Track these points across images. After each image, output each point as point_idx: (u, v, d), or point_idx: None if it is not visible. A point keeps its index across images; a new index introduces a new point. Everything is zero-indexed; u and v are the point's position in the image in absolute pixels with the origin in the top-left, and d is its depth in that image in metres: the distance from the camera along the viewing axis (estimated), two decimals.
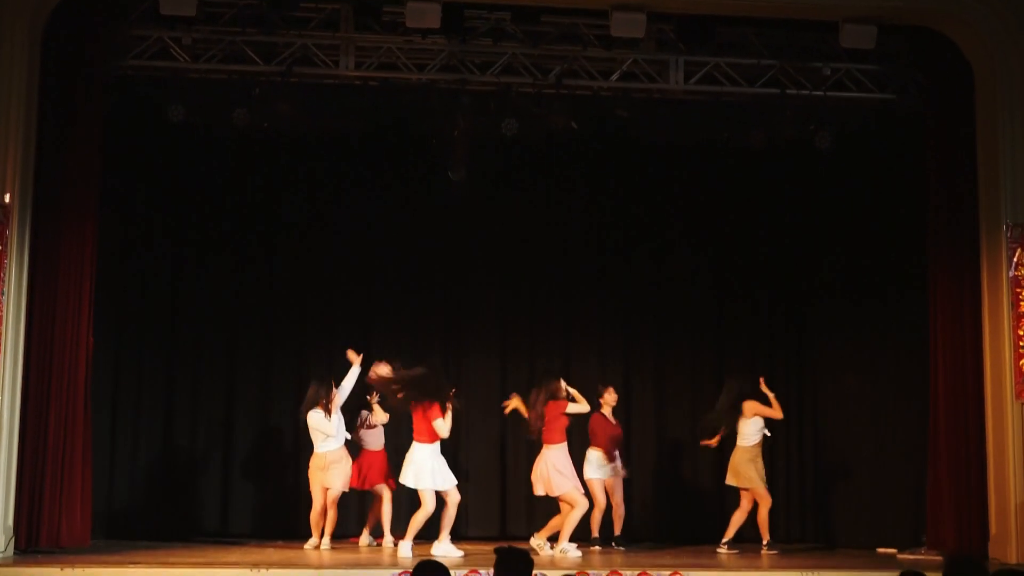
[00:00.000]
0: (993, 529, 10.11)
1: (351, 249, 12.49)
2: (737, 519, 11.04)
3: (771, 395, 11.07)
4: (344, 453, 10.71)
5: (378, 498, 10.99)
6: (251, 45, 10.76)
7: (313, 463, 10.70)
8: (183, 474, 12.12)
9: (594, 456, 11.09)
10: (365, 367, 10.74)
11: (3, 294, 9.47)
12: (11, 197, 9.60)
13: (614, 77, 11.16)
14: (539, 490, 10.62)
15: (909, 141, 11.28)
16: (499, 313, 12.76)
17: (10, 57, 9.70)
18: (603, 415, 11.20)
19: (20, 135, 9.69)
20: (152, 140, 11.72)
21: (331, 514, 10.67)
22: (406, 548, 10.01)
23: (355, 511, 11.90)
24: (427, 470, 10.18)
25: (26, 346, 9.71)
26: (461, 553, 10.00)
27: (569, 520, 10.38)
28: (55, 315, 9.86)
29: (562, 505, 10.52)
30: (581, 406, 10.71)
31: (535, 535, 10.63)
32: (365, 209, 12.60)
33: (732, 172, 12.59)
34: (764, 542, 10.94)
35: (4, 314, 9.46)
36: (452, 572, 5.54)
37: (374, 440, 11.01)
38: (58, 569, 8.57)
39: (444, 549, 10.04)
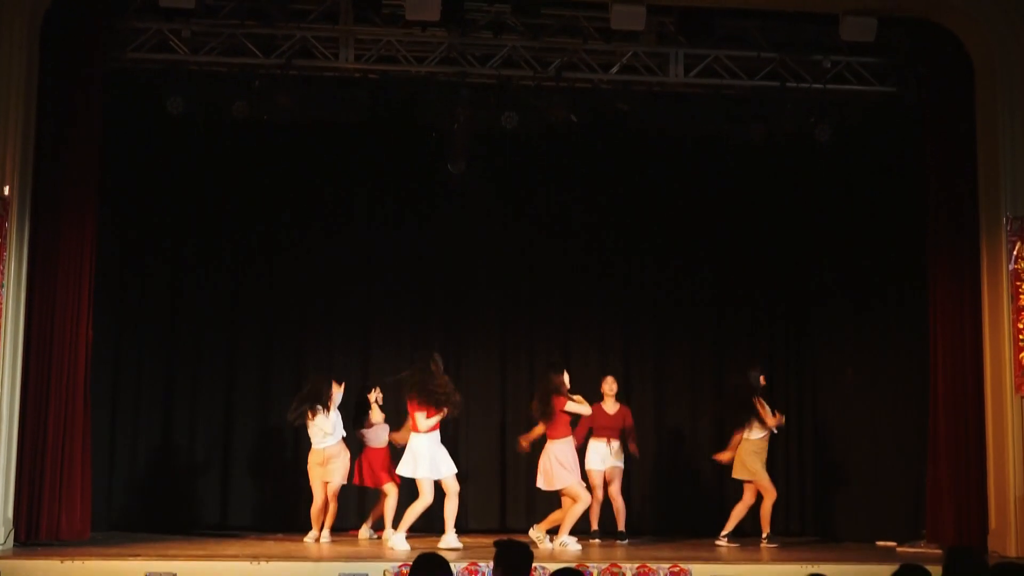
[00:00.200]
0: (992, 523, 10.11)
1: (351, 242, 12.50)
2: (738, 512, 11.04)
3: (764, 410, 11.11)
4: (342, 447, 10.73)
5: (382, 494, 10.98)
6: (250, 37, 10.75)
7: (312, 459, 10.71)
8: (183, 467, 12.13)
9: (595, 447, 11.08)
10: (363, 373, 10.78)
11: (3, 287, 9.46)
12: (10, 191, 9.59)
13: (614, 70, 11.15)
14: (540, 483, 10.61)
15: (909, 134, 11.26)
16: (499, 308, 12.76)
17: (9, 50, 9.69)
18: (601, 406, 11.19)
19: (19, 129, 9.68)
20: (151, 133, 11.69)
21: (331, 508, 10.70)
22: (398, 539, 10.00)
23: (355, 505, 11.91)
24: (425, 459, 10.15)
25: (26, 339, 9.71)
26: (460, 545, 9.98)
27: (570, 514, 10.38)
28: (55, 309, 9.86)
29: (563, 499, 10.51)
30: (581, 407, 10.66)
31: (534, 527, 10.63)
32: (364, 201, 12.60)
33: (732, 165, 12.58)
34: (764, 535, 10.94)
35: (4, 308, 9.46)
36: (452, 565, 5.53)
37: (376, 437, 11.00)
38: (58, 561, 8.57)
39: (447, 541, 10.02)
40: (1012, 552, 9.75)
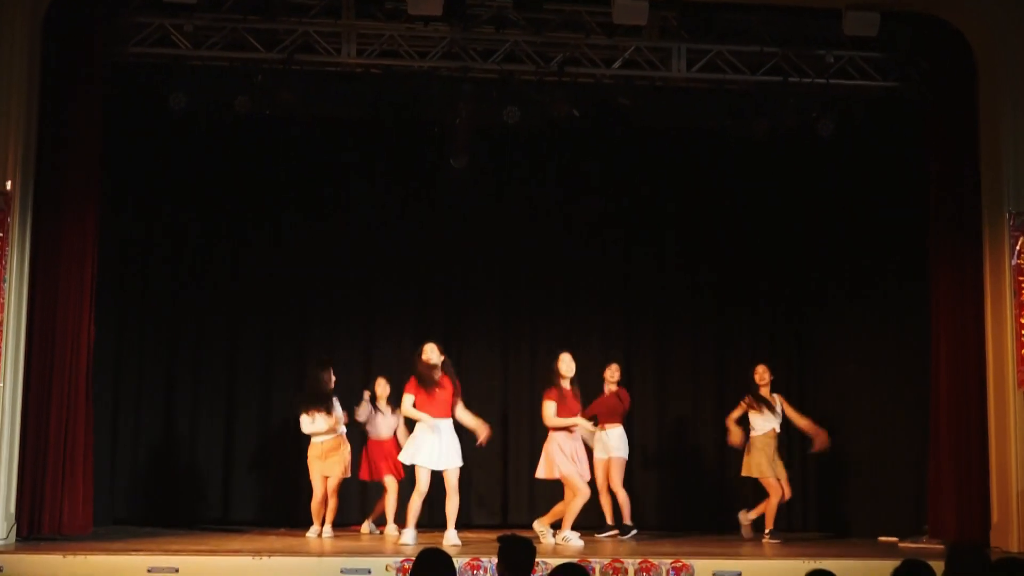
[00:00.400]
0: (995, 517, 10.11)
1: (352, 237, 12.50)
2: (770, 507, 10.97)
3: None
4: (342, 440, 10.73)
5: (384, 488, 10.99)
6: (252, 32, 10.74)
7: (311, 452, 10.71)
8: (185, 462, 12.15)
9: (600, 436, 11.07)
10: (365, 367, 10.80)
11: (4, 282, 9.47)
12: (12, 186, 9.58)
13: (616, 65, 11.14)
14: (540, 471, 10.57)
15: (912, 129, 11.25)
16: (500, 302, 12.77)
17: (11, 44, 9.68)
18: (603, 392, 11.20)
19: (21, 123, 9.66)
20: (153, 127, 11.68)
21: (332, 502, 10.69)
22: (408, 535, 9.96)
23: (356, 499, 11.92)
24: (424, 447, 10.05)
25: (28, 335, 9.70)
26: (458, 543, 9.92)
27: (571, 508, 10.34)
28: (57, 304, 9.86)
29: (566, 492, 10.49)
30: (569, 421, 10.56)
31: (538, 520, 10.61)
32: (366, 196, 12.60)
33: (734, 160, 12.57)
34: (767, 531, 10.94)
35: (6, 302, 9.46)
36: (454, 560, 5.53)
37: (382, 429, 11.00)
38: (60, 556, 8.57)
39: (448, 538, 9.98)
40: (1014, 547, 9.75)
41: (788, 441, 11.56)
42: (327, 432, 10.63)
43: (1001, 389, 10.11)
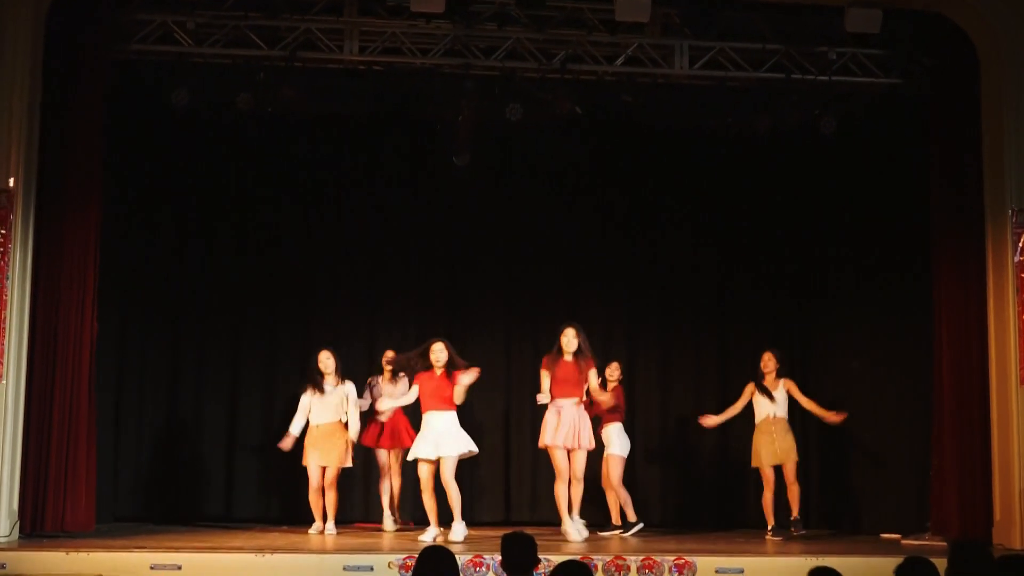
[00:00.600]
0: (997, 515, 10.10)
1: (355, 233, 12.51)
2: (791, 497, 10.97)
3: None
4: (339, 427, 10.66)
5: (385, 473, 10.96)
6: (255, 29, 10.74)
7: (307, 438, 10.66)
8: (188, 459, 12.16)
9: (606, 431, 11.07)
10: (368, 362, 10.94)
11: (7, 279, 9.47)
12: (15, 182, 9.58)
13: (619, 62, 11.14)
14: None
15: (914, 126, 11.24)
16: (503, 297, 12.77)
17: (13, 42, 9.68)
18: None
19: (23, 120, 9.66)
20: (156, 124, 11.70)
21: (331, 496, 10.60)
22: (459, 528, 9.87)
23: (360, 496, 11.94)
24: (417, 440, 10.16)
25: (31, 331, 9.71)
26: (430, 539, 9.84)
27: (557, 492, 10.25)
28: (59, 300, 9.87)
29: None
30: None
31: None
32: (369, 193, 12.61)
33: (736, 156, 12.57)
34: (769, 527, 10.94)
35: (8, 299, 9.47)
36: (457, 557, 5.53)
37: (387, 402, 10.98)
38: (63, 553, 8.57)
39: (452, 531, 9.98)
40: (1017, 544, 9.74)
41: (804, 431, 11.51)
42: (322, 412, 10.59)
43: (1004, 386, 10.10)
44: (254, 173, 12.42)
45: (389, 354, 11.23)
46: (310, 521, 10.73)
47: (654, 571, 8.72)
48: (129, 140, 11.42)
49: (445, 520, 9.98)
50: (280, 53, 10.74)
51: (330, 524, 10.60)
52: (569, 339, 10.31)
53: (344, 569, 8.57)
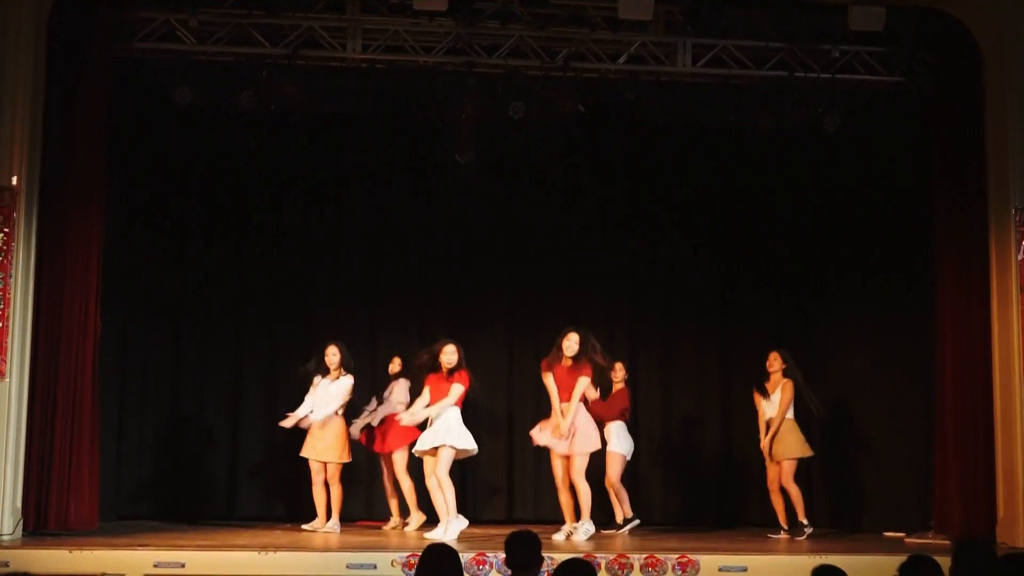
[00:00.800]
0: (1001, 513, 10.08)
1: (357, 231, 12.51)
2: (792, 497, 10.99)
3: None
4: (337, 421, 10.63)
5: (390, 472, 10.98)
6: (257, 27, 10.73)
7: (309, 431, 10.68)
8: (191, 457, 12.16)
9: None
10: (371, 361, 10.92)
11: (11, 277, 9.48)
12: (18, 181, 9.59)
13: (622, 60, 11.13)
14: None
15: (917, 124, 11.23)
16: (505, 297, 12.77)
17: (16, 39, 9.68)
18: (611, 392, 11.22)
19: (26, 118, 9.66)
20: (158, 123, 11.70)
21: (334, 491, 10.59)
22: (456, 523, 9.96)
23: (363, 493, 11.93)
24: (423, 435, 10.22)
25: (34, 329, 9.71)
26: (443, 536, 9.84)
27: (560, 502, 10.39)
28: (63, 298, 9.87)
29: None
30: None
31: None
32: (371, 192, 12.60)
33: (739, 155, 12.55)
34: (782, 527, 10.92)
35: (12, 297, 9.47)
36: (460, 556, 5.54)
37: (393, 405, 11.01)
38: (66, 551, 8.58)
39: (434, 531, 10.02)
40: (1021, 542, 9.73)
41: (807, 430, 11.49)
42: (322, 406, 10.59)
43: (1007, 384, 10.09)
44: (256, 171, 12.42)
45: (396, 361, 11.22)
46: (314, 518, 10.71)
47: (657, 569, 8.72)
48: (131, 138, 11.42)
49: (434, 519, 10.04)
50: (283, 51, 10.73)
51: (334, 521, 10.59)
52: (571, 343, 10.30)
53: (347, 567, 8.58)
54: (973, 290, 10.47)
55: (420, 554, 5.44)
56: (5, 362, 9.41)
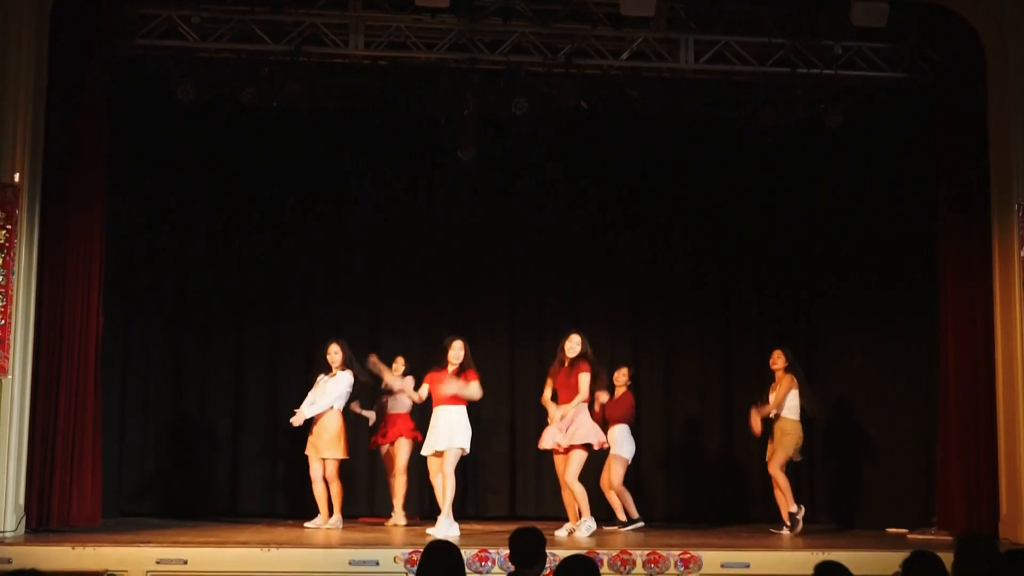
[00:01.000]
0: (1003, 509, 10.07)
1: (359, 228, 12.52)
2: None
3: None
4: (336, 417, 10.60)
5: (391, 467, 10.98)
6: (260, 24, 10.73)
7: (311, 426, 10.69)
8: (193, 453, 12.18)
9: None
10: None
11: (13, 274, 9.47)
12: (20, 178, 9.58)
13: (624, 56, 11.11)
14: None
15: (920, 120, 11.22)
16: (507, 294, 12.77)
17: (17, 37, 9.66)
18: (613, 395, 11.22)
19: (29, 115, 9.65)
20: (161, 119, 11.70)
21: (334, 487, 10.57)
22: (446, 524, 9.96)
23: (364, 490, 11.94)
24: (429, 433, 10.25)
25: (36, 326, 9.70)
26: (440, 533, 9.83)
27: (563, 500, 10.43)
28: (65, 295, 9.86)
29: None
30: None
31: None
32: (374, 188, 12.62)
33: (742, 151, 12.56)
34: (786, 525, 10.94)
35: (14, 294, 9.47)
36: (462, 552, 5.54)
37: (399, 405, 11.01)
38: (69, 548, 8.58)
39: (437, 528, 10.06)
40: (1023, 539, 9.73)
41: (809, 427, 11.49)
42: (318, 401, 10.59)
43: (1010, 380, 10.08)
44: (258, 168, 12.42)
45: (400, 360, 11.22)
46: (315, 516, 10.71)
47: (660, 566, 8.71)
48: (134, 135, 11.42)
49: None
50: (285, 48, 10.72)
51: (336, 517, 10.59)
52: (572, 344, 10.31)
53: (350, 563, 8.59)
54: (976, 286, 10.46)
55: (422, 550, 5.43)
56: (8, 359, 9.40)
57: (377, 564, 8.58)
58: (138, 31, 10.61)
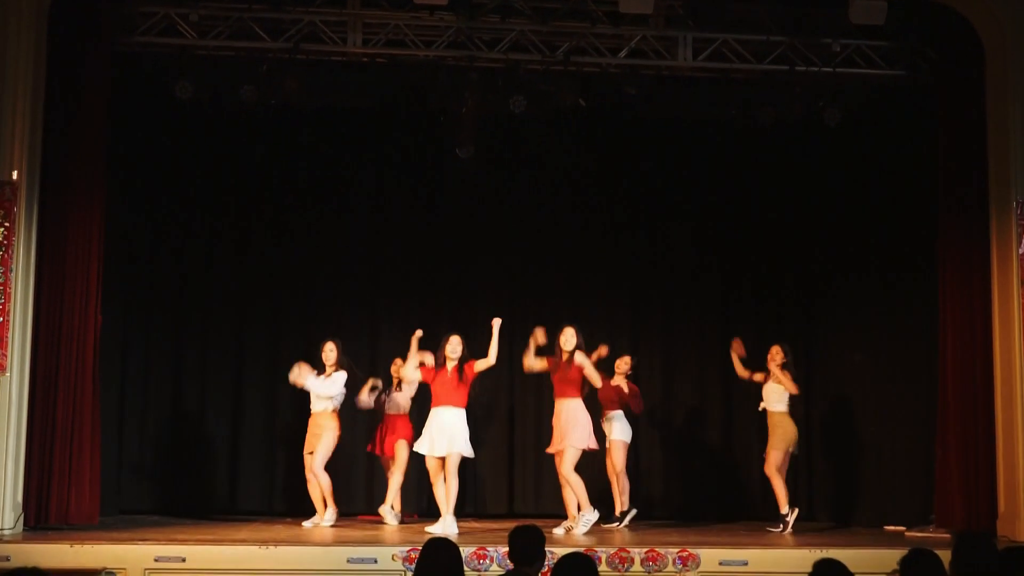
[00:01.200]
0: (1001, 507, 10.08)
1: (358, 226, 12.52)
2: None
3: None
4: (330, 417, 10.58)
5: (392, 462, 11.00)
6: (258, 22, 10.72)
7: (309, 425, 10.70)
8: (192, 451, 12.17)
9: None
10: (371, 356, 10.89)
11: (11, 272, 9.47)
12: (18, 175, 9.58)
13: (622, 54, 11.11)
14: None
15: (919, 118, 11.22)
16: (506, 291, 12.75)
17: (16, 34, 9.66)
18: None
19: (27, 113, 9.65)
20: (159, 117, 11.70)
21: (323, 481, 10.52)
22: (450, 522, 9.97)
23: (363, 488, 11.93)
24: (426, 433, 10.24)
25: (35, 323, 9.70)
26: (439, 531, 9.83)
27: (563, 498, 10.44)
28: (63, 293, 9.86)
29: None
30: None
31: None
32: (373, 186, 12.61)
33: (740, 149, 12.56)
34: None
35: (12, 292, 9.47)
36: (461, 549, 5.54)
37: (397, 406, 11.01)
38: (67, 546, 8.58)
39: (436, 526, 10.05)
40: (1021, 536, 9.72)
41: (807, 424, 11.47)
42: (316, 400, 10.58)
43: (1008, 378, 10.08)
44: (257, 166, 12.42)
45: (398, 362, 11.21)
46: (314, 514, 10.70)
47: (658, 563, 8.72)
48: (133, 132, 11.42)
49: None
50: (284, 45, 10.72)
51: (329, 511, 10.52)
52: (567, 337, 10.33)
53: (348, 561, 8.59)
54: (975, 283, 10.46)
55: (420, 548, 5.43)
56: (6, 356, 9.40)
57: (375, 562, 8.58)
58: (137, 28, 10.61)
